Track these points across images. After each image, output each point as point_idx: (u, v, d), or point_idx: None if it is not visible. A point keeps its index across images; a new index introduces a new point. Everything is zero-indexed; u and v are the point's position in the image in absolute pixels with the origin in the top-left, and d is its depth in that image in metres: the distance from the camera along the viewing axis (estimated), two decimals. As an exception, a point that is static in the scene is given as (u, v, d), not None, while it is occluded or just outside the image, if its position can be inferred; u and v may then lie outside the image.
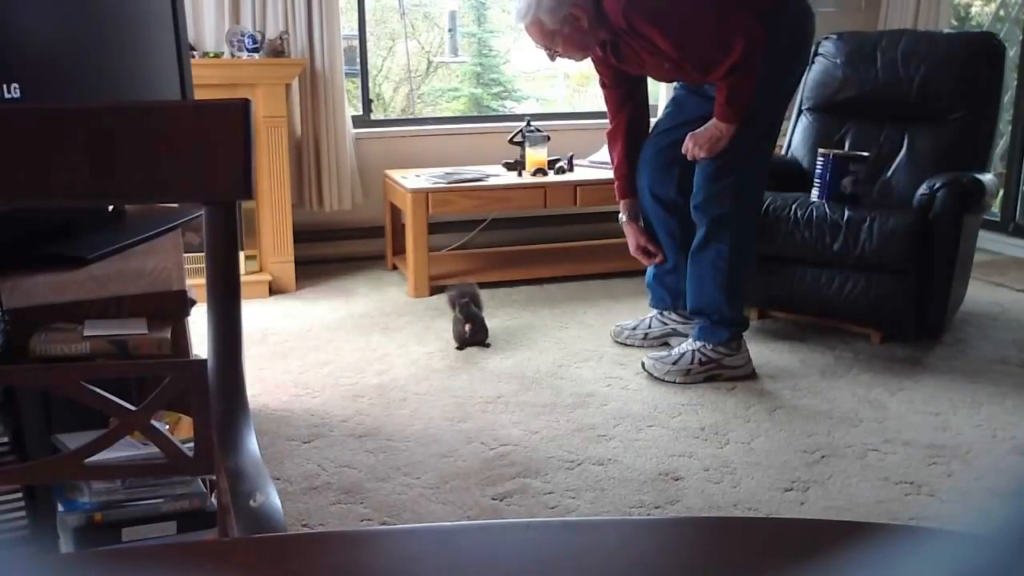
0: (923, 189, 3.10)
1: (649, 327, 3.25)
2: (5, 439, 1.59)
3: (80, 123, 1.02)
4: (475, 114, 5.60)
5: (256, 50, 3.74)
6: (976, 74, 3.35)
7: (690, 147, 2.77)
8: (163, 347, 1.68)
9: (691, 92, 2.99)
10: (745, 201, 2.83)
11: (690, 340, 2.95)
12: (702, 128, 2.75)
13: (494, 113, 5.68)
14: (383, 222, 4.28)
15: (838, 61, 3.62)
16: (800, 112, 3.72)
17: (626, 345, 3.23)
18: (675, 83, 3.14)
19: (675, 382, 2.87)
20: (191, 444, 1.12)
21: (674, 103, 3.09)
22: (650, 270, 3.21)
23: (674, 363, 2.90)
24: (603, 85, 3.04)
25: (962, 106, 3.36)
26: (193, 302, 1.90)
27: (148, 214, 1.98)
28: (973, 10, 5.26)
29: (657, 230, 3.13)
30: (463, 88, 5.86)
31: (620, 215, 3.20)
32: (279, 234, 3.88)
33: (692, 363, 2.88)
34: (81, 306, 1.72)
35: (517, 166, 4.05)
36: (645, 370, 2.93)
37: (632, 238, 3.17)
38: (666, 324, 3.23)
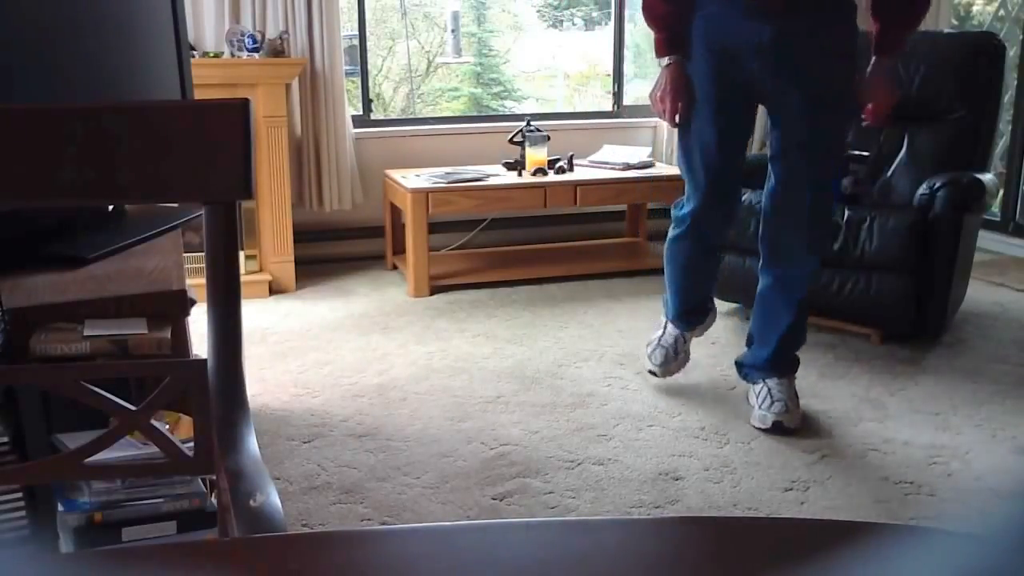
0: (923, 189, 3.10)
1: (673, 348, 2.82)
2: (5, 439, 1.59)
3: (80, 123, 1.02)
4: (475, 114, 5.60)
5: (256, 50, 3.74)
6: (976, 74, 3.35)
7: (872, 109, 2.35)
8: (163, 347, 1.68)
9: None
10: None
11: (771, 380, 2.59)
12: (870, 80, 2.32)
13: (494, 113, 5.68)
14: (383, 222, 4.28)
15: (838, 61, 3.62)
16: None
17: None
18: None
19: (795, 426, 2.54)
20: (191, 444, 1.12)
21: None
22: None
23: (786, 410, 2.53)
24: None
25: (962, 106, 3.36)
26: (193, 302, 1.90)
27: (148, 214, 1.98)
28: (973, 10, 5.26)
29: (695, 279, 2.73)
30: (463, 88, 5.86)
31: (664, 60, 2.50)
32: (279, 234, 3.88)
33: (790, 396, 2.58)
34: (81, 306, 1.72)
35: (517, 166, 4.05)
36: (782, 428, 2.52)
37: (673, 83, 2.45)
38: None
